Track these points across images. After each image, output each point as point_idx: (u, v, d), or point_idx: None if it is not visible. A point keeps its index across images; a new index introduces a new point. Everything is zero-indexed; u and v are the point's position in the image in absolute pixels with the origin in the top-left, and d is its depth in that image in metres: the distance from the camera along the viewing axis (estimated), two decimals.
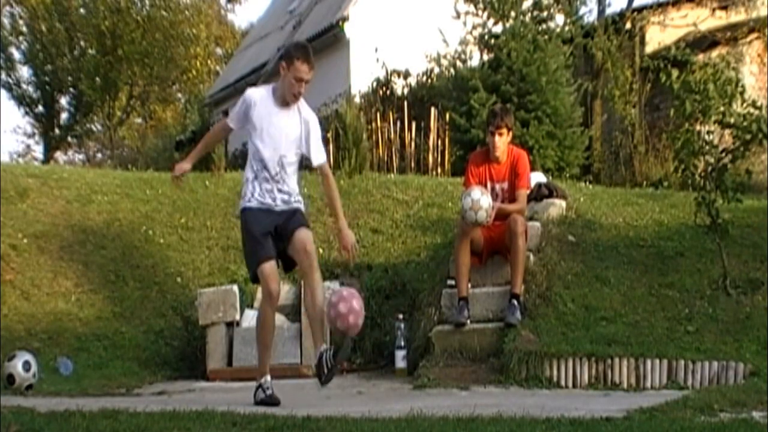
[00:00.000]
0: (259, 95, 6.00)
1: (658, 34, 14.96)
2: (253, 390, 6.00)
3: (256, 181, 5.96)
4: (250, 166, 6.00)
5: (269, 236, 5.92)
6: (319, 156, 6.06)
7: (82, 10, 26.65)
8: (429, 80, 15.43)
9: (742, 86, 7.74)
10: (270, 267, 5.89)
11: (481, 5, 12.96)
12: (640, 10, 14.99)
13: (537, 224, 8.08)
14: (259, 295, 8.75)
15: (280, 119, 5.96)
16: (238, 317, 8.26)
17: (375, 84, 15.70)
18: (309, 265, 5.90)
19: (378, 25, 16.82)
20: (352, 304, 5.74)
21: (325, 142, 12.13)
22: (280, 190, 5.96)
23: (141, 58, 25.77)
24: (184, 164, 6.30)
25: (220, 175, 11.30)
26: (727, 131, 7.75)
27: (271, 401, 5.77)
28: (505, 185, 7.61)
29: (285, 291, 8.82)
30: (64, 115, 29.83)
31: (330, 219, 9.95)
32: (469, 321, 7.33)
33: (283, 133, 5.95)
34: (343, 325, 5.72)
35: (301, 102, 6.03)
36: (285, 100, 5.95)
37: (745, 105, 7.62)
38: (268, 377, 5.99)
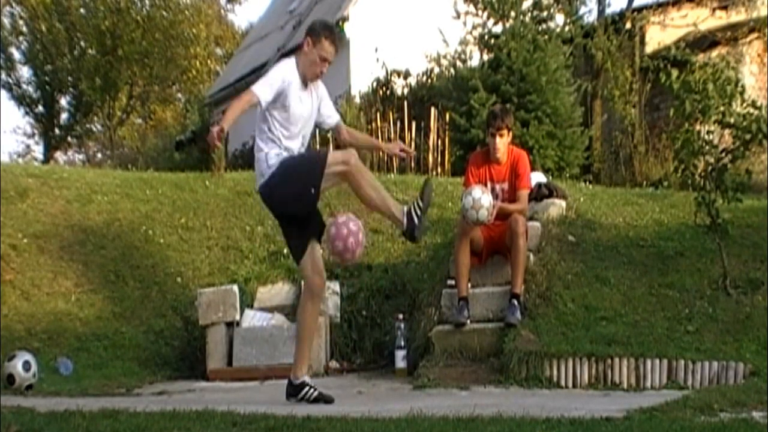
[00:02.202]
0: (292, 75, 5.76)
1: (658, 34, 14.97)
2: (253, 389, 5.98)
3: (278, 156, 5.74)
4: (275, 144, 5.74)
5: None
6: (334, 116, 6.08)
7: (82, 10, 26.66)
8: (429, 80, 15.44)
9: (742, 86, 7.74)
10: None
11: (481, 5, 12.95)
12: (640, 10, 14.99)
13: (537, 224, 8.08)
14: (259, 295, 8.78)
15: (305, 101, 5.84)
16: (238, 317, 8.26)
17: (375, 84, 15.70)
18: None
19: (378, 25, 16.82)
20: (350, 228, 5.81)
21: (325, 142, 12.24)
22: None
23: (141, 58, 25.78)
24: (218, 129, 5.57)
25: (220, 175, 11.30)
26: (727, 131, 7.75)
27: (327, 398, 5.81)
28: (506, 186, 7.61)
29: (285, 291, 8.83)
30: (64, 115, 29.85)
31: (331, 219, 9.96)
32: (469, 321, 7.33)
33: (307, 115, 5.88)
34: (342, 249, 5.83)
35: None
36: (305, 79, 5.81)
37: (744, 105, 7.62)
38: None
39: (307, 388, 5.85)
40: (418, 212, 5.68)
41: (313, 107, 5.93)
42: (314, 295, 5.99)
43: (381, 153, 11.36)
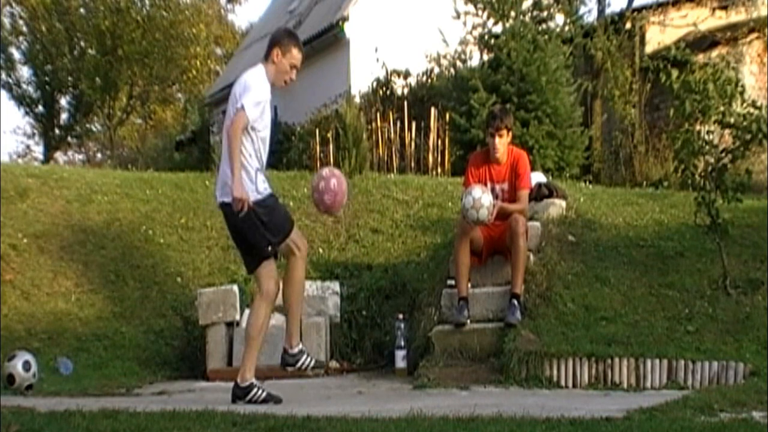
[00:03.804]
0: (267, 87, 5.81)
1: (658, 34, 14.96)
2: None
3: (261, 173, 5.81)
4: (255, 157, 5.76)
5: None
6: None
7: (82, 10, 26.67)
8: (429, 80, 15.44)
9: (742, 86, 7.74)
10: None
11: (481, 5, 12.96)
12: (640, 10, 14.99)
13: (537, 224, 8.08)
14: None
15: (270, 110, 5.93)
16: (238, 317, 8.26)
17: (375, 84, 15.71)
18: (304, 257, 6.03)
19: (378, 25, 16.82)
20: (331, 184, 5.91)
21: (325, 142, 12.25)
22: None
23: (141, 58, 25.79)
24: (243, 193, 5.64)
25: None
26: (727, 131, 7.75)
27: (276, 398, 5.82)
28: (506, 186, 7.61)
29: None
30: (64, 115, 29.86)
31: (330, 219, 9.98)
32: (469, 321, 7.33)
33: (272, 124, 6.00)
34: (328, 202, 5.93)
35: None
36: (272, 87, 5.86)
37: (745, 105, 7.62)
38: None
39: (255, 390, 5.85)
40: (302, 363, 6.08)
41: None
42: (270, 301, 5.99)
43: (380, 153, 11.42)
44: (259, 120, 5.75)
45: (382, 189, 10.61)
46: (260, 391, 5.85)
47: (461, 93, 12.68)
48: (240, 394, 5.85)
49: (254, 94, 5.70)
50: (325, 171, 6.13)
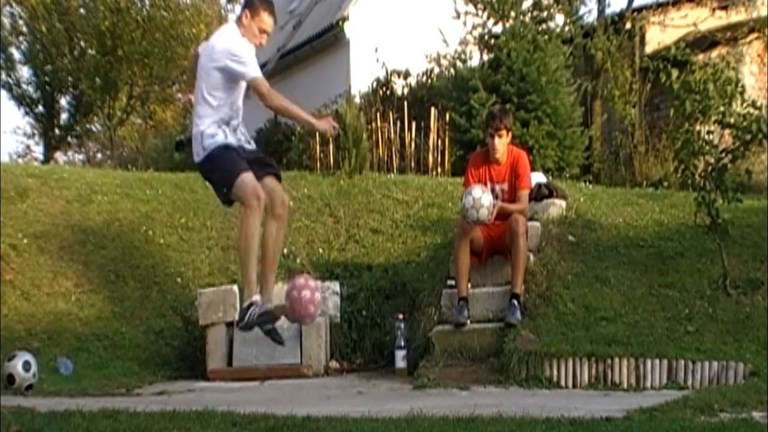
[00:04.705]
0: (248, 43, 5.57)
1: (658, 34, 14.95)
2: (253, 389, 5.94)
3: (227, 126, 5.53)
4: (215, 113, 5.49)
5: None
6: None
7: (82, 10, 26.62)
8: (429, 80, 15.42)
9: (742, 86, 7.74)
10: (252, 177, 5.44)
11: (481, 5, 12.95)
12: (640, 10, 14.98)
13: (537, 224, 8.08)
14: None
15: None
16: (238, 317, 8.25)
17: (375, 84, 15.68)
18: (284, 214, 5.60)
19: (378, 25, 16.81)
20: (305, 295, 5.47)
21: (325, 142, 12.23)
22: (244, 134, 5.66)
23: (141, 58, 25.74)
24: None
25: None
26: (727, 131, 7.75)
27: (271, 316, 5.46)
28: (505, 186, 7.61)
29: (285, 291, 8.82)
30: (64, 115, 29.81)
31: (330, 219, 9.98)
32: (469, 321, 7.33)
33: (243, 85, 5.62)
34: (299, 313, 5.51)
35: None
36: None
37: (745, 105, 7.62)
38: (259, 297, 5.51)
39: (252, 308, 5.47)
40: (257, 318, 5.40)
41: None
42: (253, 212, 5.43)
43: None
44: (225, 77, 5.50)
45: (382, 189, 10.61)
46: (255, 309, 5.47)
47: (461, 93, 12.67)
48: (240, 315, 5.57)
49: (247, 57, 5.48)
50: (300, 280, 5.62)
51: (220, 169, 5.53)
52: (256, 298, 5.48)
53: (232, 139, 5.55)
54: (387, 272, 8.93)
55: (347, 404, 5.65)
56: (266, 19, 5.60)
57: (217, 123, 5.53)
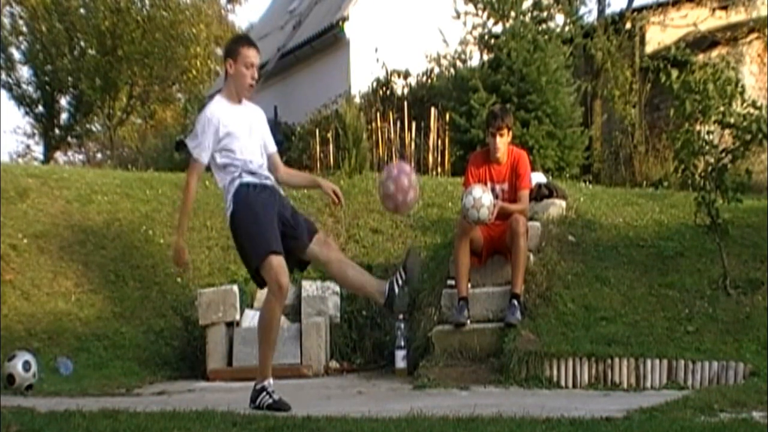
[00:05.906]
0: (215, 109, 5.61)
1: (658, 34, 14.95)
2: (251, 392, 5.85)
3: (241, 177, 5.57)
4: (229, 172, 5.61)
5: (275, 224, 5.45)
6: (272, 144, 5.80)
7: (82, 10, 26.61)
8: (429, 80, 15.42)
9: (742, 86, 7.74)
10: (279, 260, 5.38)
11: (481, 5, 12.95)
12: (640, 10, 14.98)
13: (537, 224, 8.08)
14: (259, 295, 8.77)
15: (239, 114, 5.64)
16: (238, 317, 8.27)
17: (375, 84, 15.69)
18: (278, 298, 5.49)
19: (378, 25, 16.81)
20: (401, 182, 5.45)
21: (325, 142, 12.23)
22: (267, 177, 5.67)
23: (141, 58, 25.74)
24: (181, 247, 5.70)
25: None
26: (727, 131, 7.75)
27: (281, 406, 5.29)
28: (506, 186, 7.61)
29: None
30: (64, 115, 29.81)
31: (330, 219, 9.98)
32: (469, 321, 7.33)
33: (247, 127, 5.65)
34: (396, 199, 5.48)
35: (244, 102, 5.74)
36: (239, 98, 5.65)
37: (745, 105, 7.62)
38: (271, 380, 5.49)
39: (263, 394, 5.44)
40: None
41: (253, 118, 5.72)
42: (277, 296, 5.47)
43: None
44: (222, 141, 5.57)
45: None
46: (267, 397, 5.42)
47: (461, 93, 12.68)
48: (252, 396, 5.51)
49: (197, 135, 5.59)
50: (395, 169, 5.58)
51: (247, 242, 5.47)
52: (268, 383, 5.47)
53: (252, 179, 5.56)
54: (387, 272, 8.91)
55: (347, 404, 5.65)
56: (248, 53, 5.60)
57: (237, 174, 5.57)
